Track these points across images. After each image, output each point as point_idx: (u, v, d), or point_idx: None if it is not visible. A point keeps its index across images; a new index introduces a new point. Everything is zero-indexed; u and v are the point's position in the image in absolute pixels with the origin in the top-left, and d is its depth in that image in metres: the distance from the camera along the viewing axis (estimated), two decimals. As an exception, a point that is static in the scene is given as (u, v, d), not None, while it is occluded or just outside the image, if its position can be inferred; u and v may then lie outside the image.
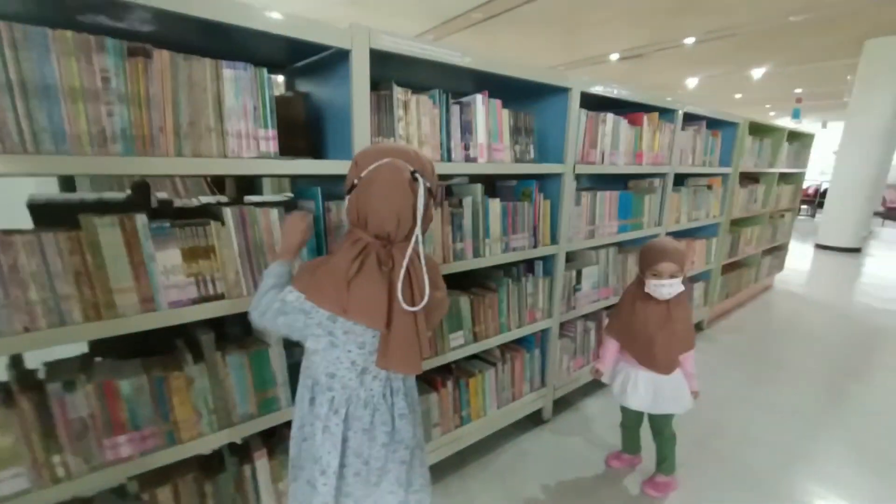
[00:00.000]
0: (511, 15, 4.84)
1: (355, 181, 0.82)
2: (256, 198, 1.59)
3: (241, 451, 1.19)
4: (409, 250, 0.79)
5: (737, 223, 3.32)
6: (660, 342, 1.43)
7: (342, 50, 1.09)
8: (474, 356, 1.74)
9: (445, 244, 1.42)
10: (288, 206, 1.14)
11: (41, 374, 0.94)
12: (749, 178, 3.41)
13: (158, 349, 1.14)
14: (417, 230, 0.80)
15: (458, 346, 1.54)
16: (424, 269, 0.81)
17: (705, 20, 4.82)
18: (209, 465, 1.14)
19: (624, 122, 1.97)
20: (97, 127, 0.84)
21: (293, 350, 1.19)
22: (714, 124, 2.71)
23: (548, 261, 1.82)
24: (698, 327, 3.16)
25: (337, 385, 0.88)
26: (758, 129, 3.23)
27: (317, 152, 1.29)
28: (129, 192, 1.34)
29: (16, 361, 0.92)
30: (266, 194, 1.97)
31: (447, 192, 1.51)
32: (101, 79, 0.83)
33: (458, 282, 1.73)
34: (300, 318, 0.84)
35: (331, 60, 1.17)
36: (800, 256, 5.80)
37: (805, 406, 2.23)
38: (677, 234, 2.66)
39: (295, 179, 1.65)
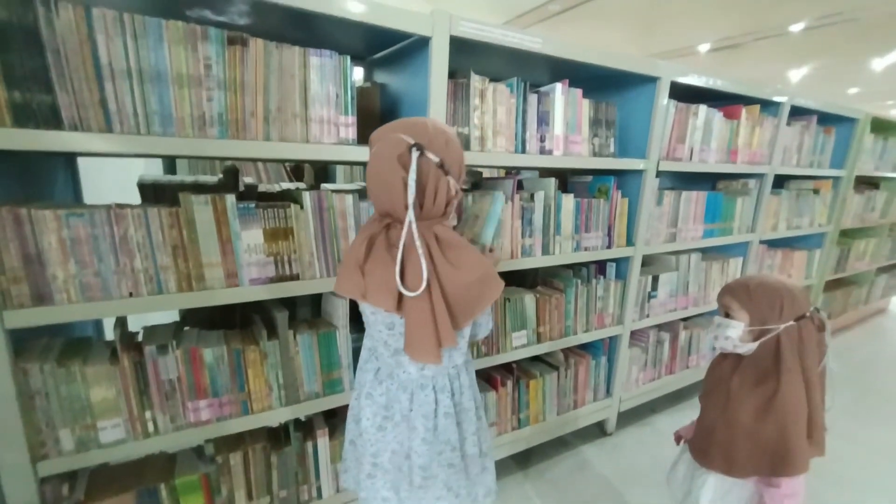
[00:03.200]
0: (588, 7, 4.60)
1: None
2: (330, 185, 1.65)
3: (305, 428, 1.24)
4: (405, 229, 0.71)
5: (847, 234, 2.89)
6: (706, 411, 1.05)
7: (423, 37, 1.08)
8: (537, 358, 1.68)
9: (514, 239, 1.37)
10: (362, 194, 1.16)
11: (140, 337, 1.04)
12: (867, 183, 2.96)
13: (238, 323, 1.22)
14: (410, 209, 0.70)
15: (520, 345, 1.49)
16: (422, 249, 0.72)
17: (818, 3, 4.25)
18: (276, 437, 1.20)
19: (718, 116, 1.78)
20: (198, 111, 0.91)
21: (359, 335, 1.22)
22: (827, 119, 2.38)
23: (621, 263, 1.70)
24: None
25: (381, 360, 0.88)
26: (882, 127, 2.78)
27: (390, 141, 1.30)
28: (220, 175, 1.44)
29: (121, 323, 1.01)
30: (339, 183, 2.05)
31: (518, 185, 1.45)
32: (203, 66, 0.89)
33: (524, 279, 1.67)
34: None
35: (410, 49, 1.17)
36: (924, 278, 4.95)
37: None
38: (775, 244, 2.38)
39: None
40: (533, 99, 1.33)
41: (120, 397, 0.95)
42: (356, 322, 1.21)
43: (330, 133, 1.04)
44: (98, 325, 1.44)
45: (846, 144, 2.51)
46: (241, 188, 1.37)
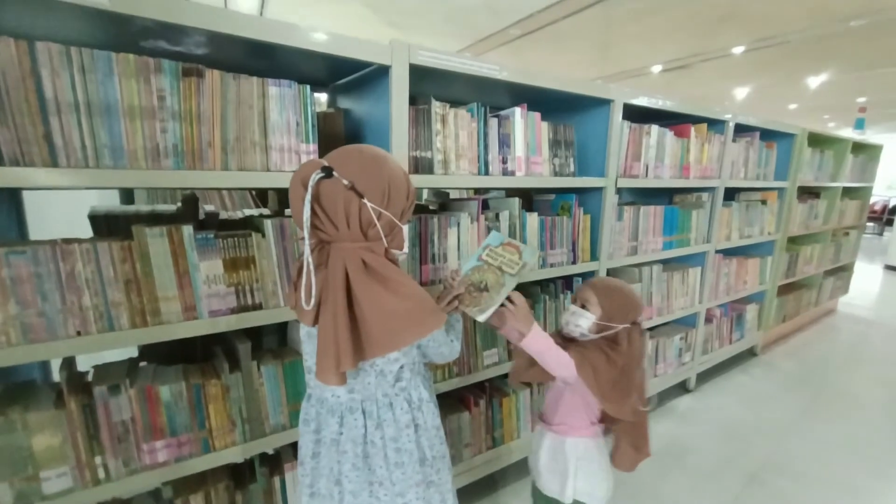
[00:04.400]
0: (548, 31, 4.82)
1: None
2: (296, 210, 1.63)
3: (272, 462, 1.19)
4: (306, 248, 0.72)
5: (795, 241, 3.08)
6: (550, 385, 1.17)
7: (382, 66, 1.10)
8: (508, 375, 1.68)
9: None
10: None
11: (90, 377, 0.98)
12: (809, 193, 3.17)
13: (199, 356, 1.18)
14: (305, 229, 0.72)
15: (492, 363, 1.50)
16: (313, 266, 0.73)
17: (754, 28, 4.60)
18: (240, 474, 1.15)
19: (670, 134, 1.89)
20: (152, 143, 0.89)
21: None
22: (769, 135, 2.56)
23: (587, 278, 1.74)
24: (751, 352, 2.94)
25: (312, 382, 0.86)
26: (818, 141, 3.01)
27: (355, 166, 1.31)
28: (179, 204, 1.41)
29: (68, 363, 0.96)
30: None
31: (484, 205, 1.48)
32: (157, 97, 0.88)
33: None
34: None
35: (371, 77, 1.19)
36: (867, 278, 5.32)
37: (869, 441, 2.01)
38: (729, 252, 2.50)
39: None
40: (494, 122, 1.37)
41: (66, 444, 0.89)
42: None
43: (291, 161, 1.04)
44: (45, 366, 1.36)
45: (787, 158, 2.70)
46: (202, 216, 1.34)
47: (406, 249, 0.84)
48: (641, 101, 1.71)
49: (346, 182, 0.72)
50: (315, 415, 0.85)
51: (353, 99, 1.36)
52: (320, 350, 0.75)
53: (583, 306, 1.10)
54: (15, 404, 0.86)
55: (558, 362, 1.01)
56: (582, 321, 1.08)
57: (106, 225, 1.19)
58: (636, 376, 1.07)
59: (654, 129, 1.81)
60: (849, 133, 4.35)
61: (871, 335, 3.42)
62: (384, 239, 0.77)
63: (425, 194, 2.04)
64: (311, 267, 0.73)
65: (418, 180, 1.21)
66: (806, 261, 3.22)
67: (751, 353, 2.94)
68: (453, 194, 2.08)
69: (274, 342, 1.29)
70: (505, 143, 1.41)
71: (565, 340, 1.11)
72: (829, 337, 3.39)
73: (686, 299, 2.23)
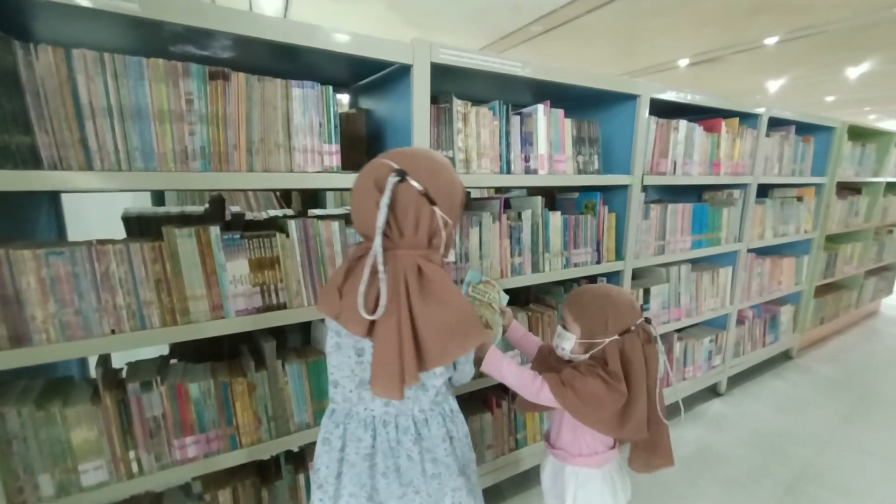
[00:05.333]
0: (570, 27, 4.73)
1: None
2: (319, 211, 1.65)
3: (297, 460, 1.21)
4: (371, 253, 0.70)
5: (834, 239, 2.93)
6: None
7: (404, 65, 1.10)
8: (531, 377, 1.66)
9: (503, 258, 1.37)
10: (348, 220, 1.16)
11: (124, 374, 1.02)
12: (849, 189, 3.01)
13: (226, 354, 1.20)
14: (378, 233, 0.69)
15: (514, 365, 1.48)
16: (385, 275, 0.70)
17: (790, 18, 4.40)
18: (266, 471, 1.17)
19: (699, 129, 1.82)
20: (180, 145, 0.91)
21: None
22: (805, 129, 2.44)
23: (612, 278, 1.70)
24: (786, 356, 2.81)
25: (339, 396, 0.82)
26: (859, 134, 2.85)
27: (376, 166, 1.31)
28: (206, 205, 1.44)
29: (104, 360, 0.99)
30: (329, 208, 2.05)
31: (506, 204, 1.46)
32: (185, 101, 0.90)
33: (516, 297, 1.67)
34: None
35: (392, 76, 1.19)
36: (913, 279, 5.01)
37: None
38: (762, 251, 2.41)
39: (355, 193, 1.69)
40: (516, 120, 1.35)
41: (102, 438, 0.92)
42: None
43: (314, 161, 1.05)
44: (83, 363, 1.41)
45: (826, 152, 2.57)
46: (228, 217, 1.37)
47: (452, 258, 0.82)
48: (669, 96, 1.65)
49: (419, 187, 0.71)
50: (342, 432, 0.81)
51: (374, 99, 1.36)
52: (380, 363, 0.72)
53: (564, 326, 1.02)
54: (55, 399, 0.90)
55: (527, 388, 0.94)
56: (565, 343, 1.00)
57: (138, 226, 1.23)
58: (645, 397, 0.94)
59: (683, 124, 1.75)
60: (892, 125, 4.11)
61: (917, 339, 3.23)
62: (443, 247, 0.76)
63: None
64: (382, 274, 0.70)
65: (440, 179, 1.20)
66: (846, 260, 3.06)
67: (786, 356, 2.82)
68: (474, 193, 2.06)
69: (298, 341, 1.31)
70: (527, 141, 1.39)
71: (563, 363, 1.03)
72: (871, 340, 3.21)
73: (716, 300, 2.15)
